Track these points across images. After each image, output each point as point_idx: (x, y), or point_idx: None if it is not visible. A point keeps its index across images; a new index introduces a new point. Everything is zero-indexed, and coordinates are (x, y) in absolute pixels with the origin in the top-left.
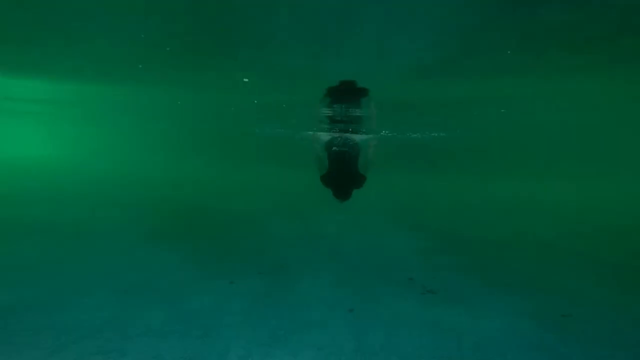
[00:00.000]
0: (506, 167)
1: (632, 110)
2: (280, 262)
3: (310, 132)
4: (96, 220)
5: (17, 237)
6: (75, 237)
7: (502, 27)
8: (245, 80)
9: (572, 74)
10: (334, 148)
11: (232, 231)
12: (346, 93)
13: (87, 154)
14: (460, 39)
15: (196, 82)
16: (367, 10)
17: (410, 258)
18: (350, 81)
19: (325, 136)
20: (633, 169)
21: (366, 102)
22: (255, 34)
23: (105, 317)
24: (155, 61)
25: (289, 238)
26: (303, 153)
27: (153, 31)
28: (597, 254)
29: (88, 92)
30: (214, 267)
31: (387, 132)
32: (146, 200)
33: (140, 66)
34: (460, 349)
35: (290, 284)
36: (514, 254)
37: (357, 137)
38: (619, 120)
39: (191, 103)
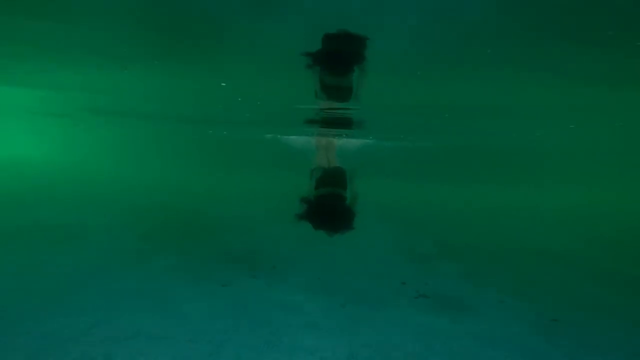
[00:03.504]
0: (501, 173)
1: (634, 114)
2: (273, 266)
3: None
4: (85, 224)
5: (1, 239)
6: (62, 240)
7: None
8: (223, 84)
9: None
10: (319, 189)
11: (225, 234)
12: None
13: (78, 156)
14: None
15: (187, 83)
16: None
17: (403, 263)
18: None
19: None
20: (631, 175)
21: (359, 72)
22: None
23: (91, 321)
24: (146, 62)
25: (282, 241)
26: (295, 156)
27: (140, 29)
28: (590, 260)
29: (79, 94)
30: (206, 271)
31: (395, 140)
32: (136, 204)
33: (125, 71)
34: (451, 353)
35: (283, 287)
36: (507, 259)
37: (345, 144)
38: (621, 125)
39: (183, 105)
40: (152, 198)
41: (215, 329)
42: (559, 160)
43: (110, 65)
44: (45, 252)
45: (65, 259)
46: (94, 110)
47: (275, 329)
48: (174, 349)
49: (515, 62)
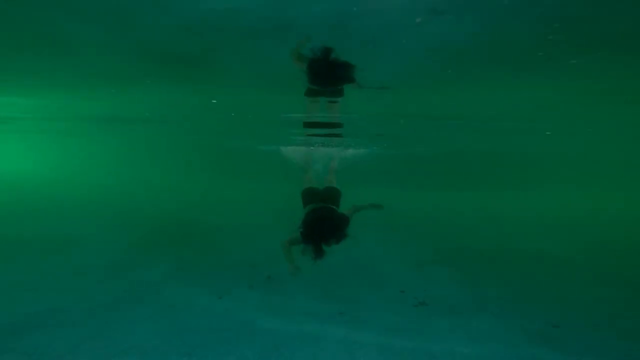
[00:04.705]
0: (499, 178)
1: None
2: (268, 276)
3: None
4: (79, 235)
5: None
6: (55, 252)
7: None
8: (214, 101)
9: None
10: (311, 204)
11: (222, 244)
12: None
13: (72, 168)
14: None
15: (181, 92)
16: None
17: (402, 271)
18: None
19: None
20: (631, 179)
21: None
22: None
23: (83, 335)
24: (141, 75)
25: (279, 251)
26: (291, 166)
27: (133, 45)
28: (590, 265)
29: (72, 105)
30: (202, 282)
31: (377, 147)
32: (132, 215)
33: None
34: None
35: (281, 297)
36: (506, 266)
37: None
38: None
39: (179, 115)
40: (145, 207)
41: (213, 342)
42: (557, 164)
43: (107, 83)
44: (36, 264)
45: (56, 271)
46: (88, 117)
47: (274, 340)
48: None
49: (509, 63)
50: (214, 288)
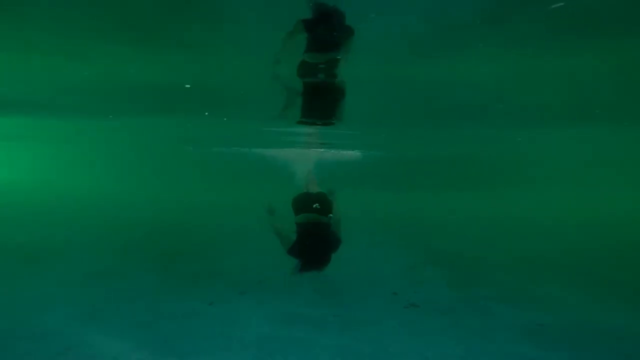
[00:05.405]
0: (490, 181)
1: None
2: (262, 281)
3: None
4: (60, 242)
5: None
6: (35, 260)
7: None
8: (187, 86)
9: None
10: (302, 218)
11: (212, 249)
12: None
13: (52, 173)
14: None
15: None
16: None
17: (394, 273)
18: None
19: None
20: (623, 183)
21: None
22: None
23: (63, 346)
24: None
25: (270, 255)
26: (282, 169)
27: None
28: (579, 267)
29: (48, 111)
30: (192, 288)
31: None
32: (114, 220)
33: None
34: None
35: (272, 303)
36: (495, 268)
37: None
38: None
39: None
40: (131, 213)
41: (203, 350)
42: (548, 167)
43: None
44: (15, 272)
45: (37, 279)
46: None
47: (266, 346)
48: None
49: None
50: (203, 295)
